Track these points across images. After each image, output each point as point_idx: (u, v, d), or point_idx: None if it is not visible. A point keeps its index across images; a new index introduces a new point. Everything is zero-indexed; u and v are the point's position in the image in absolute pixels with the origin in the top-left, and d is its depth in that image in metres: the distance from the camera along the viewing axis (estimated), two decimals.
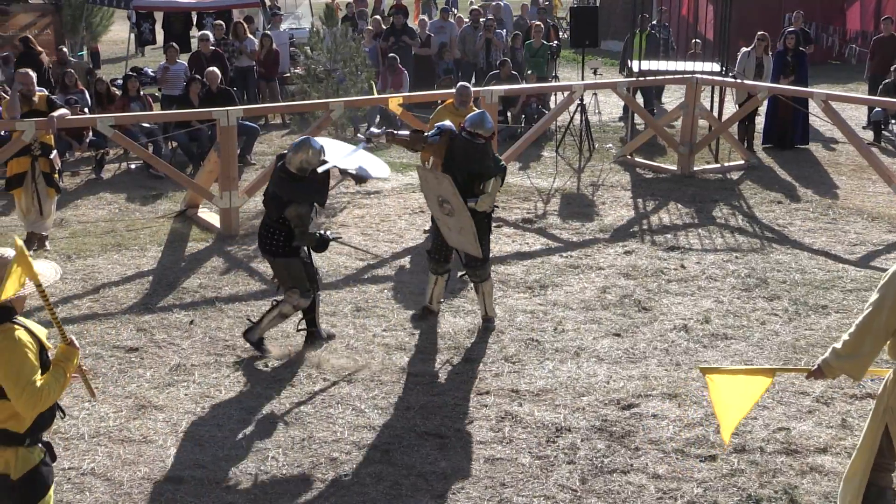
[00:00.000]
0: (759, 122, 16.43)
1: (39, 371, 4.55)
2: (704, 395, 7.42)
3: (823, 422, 7.05)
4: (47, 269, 4.75)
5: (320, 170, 8.06)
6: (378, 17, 21.90)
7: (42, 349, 4.64)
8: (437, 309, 9.03)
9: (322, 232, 8.25)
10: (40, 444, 4.77)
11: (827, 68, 23.65)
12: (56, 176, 10.94)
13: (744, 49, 16.18)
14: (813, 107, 14.53)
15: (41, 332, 4.73)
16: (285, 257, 8.07)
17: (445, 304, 9.32)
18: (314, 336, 8.39)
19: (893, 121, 16.62)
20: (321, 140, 8.48)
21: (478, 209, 8.20)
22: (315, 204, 8.04)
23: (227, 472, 6.40)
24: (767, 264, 10.45)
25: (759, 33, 16.16)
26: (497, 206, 8.75)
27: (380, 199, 13.09)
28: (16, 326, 4.57)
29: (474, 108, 11.39)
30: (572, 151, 15.37)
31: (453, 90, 11.43)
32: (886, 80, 16.82)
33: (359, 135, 9.63)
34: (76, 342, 4.76)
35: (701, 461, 6.54)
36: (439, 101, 11.98)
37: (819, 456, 6.59)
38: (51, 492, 4.81)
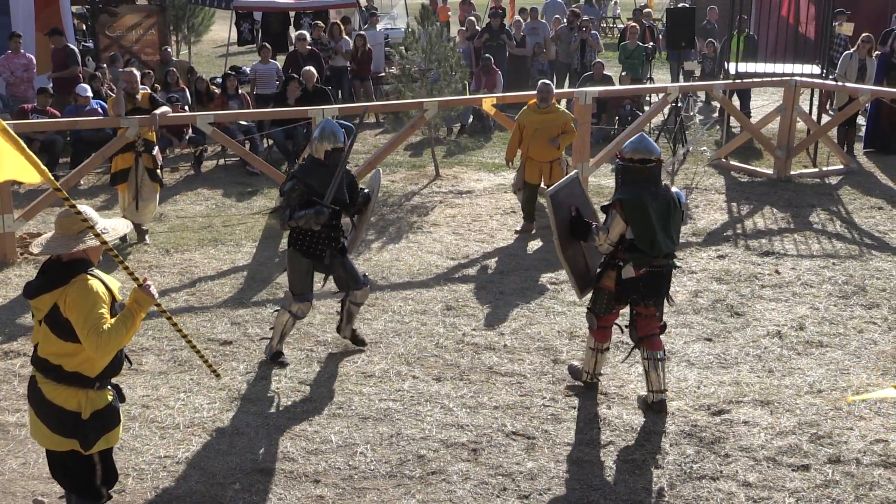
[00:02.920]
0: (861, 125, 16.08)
1: (108, 318, 4.90)
2: (798, 403, 7.29)
3: None
4: (119, 223, 5.36)
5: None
6: (472, 18, 21.95)
7: (113, 300, 5.03)
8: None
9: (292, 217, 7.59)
10: (109, 388, 5.21)
11: None
12: (159, 171, 11.19)
13: (846, 51, 15.83)
14: None
15: (114, 284, 5.13)
16: (289, 247, 7.90)
17: (536, 304, 9.29)
18: (357, 340, 8.35)
19: None
20: None
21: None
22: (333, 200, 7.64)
23: (316, 465, 6.47)
24: (866, 271, 10.20)
25: (863, 35, 15.81)
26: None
27: (471, 198, 13.12)
28: (90, 277, 4.96)
29: (557, 107, 11.38)
30: (666, 154, 15.19)
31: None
32: None
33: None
34: (152, 289, 5.07)
35: (793, 470, 6.41)
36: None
37: None
38: (119, 427, 5.27)
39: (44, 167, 5.05)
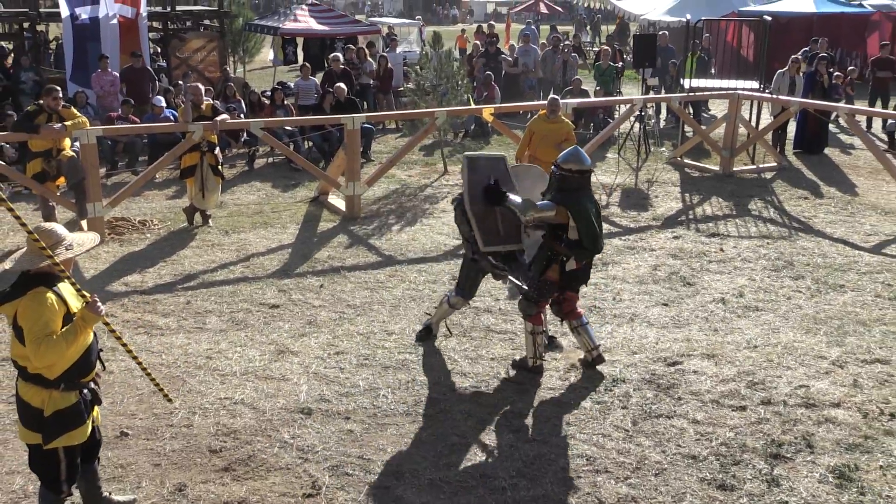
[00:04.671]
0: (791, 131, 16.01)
1: (55, 329, 4.46)
2: (737, 356, 7.29)
3: (838, 381, 6.86)
4: (87, 237, 4.90)
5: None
6: (476, 43, 21.90)
7: (68, 314, 4.55)
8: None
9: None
10: (81, 391, 4.71)
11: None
12: (220, 167, 11.19)
13: (779, 70, 15.73)
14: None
15: (74, 300, 4.65)
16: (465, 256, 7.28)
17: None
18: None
19: None
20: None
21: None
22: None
23: (347, 405, 6.49)
24: (794, 249, 10.17)
25: (792, 56, 15.71)
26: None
27: None
28: (46, 290, 4.51)
29: (562, 117, 11.20)
30: (631, 154, 15.12)
31: (535, 102, 11.33)
32: None
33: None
34: (98, 306, 4.59)
35: (733, 410, 6.42)
36: (530, 113, 11.82)
37: (833, 409, 6.42)
38: (83, 427, 4.74)
39: (2, 196, 4.55)
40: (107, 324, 4.84)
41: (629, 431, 6.15)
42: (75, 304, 4.64)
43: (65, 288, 4.63)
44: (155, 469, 5.66)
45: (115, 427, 6.10)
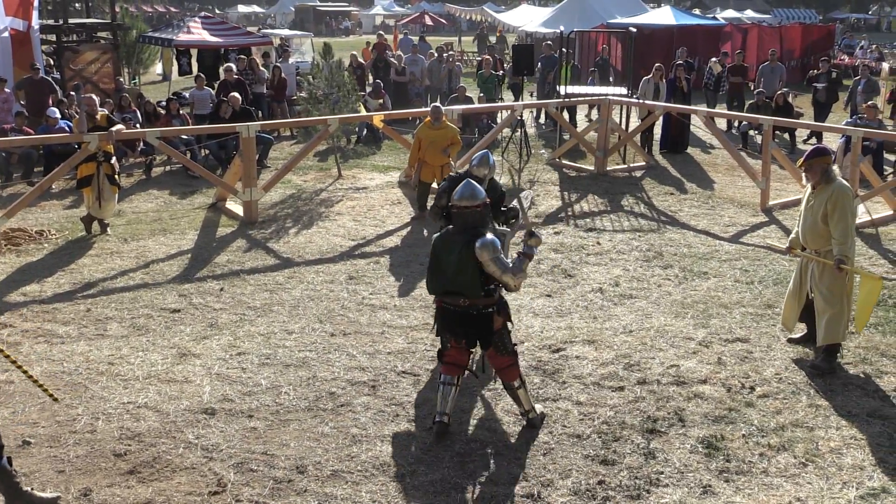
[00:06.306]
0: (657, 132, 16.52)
1: None
2: (615, 341, 7.47)
3: (705, 360, 7.11)
4: None
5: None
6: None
7: None
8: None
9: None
10: None
11: (706, 92, 23.66)
12: (117, 177, 10.78)
13: (645, 77, 16.23)
14: (695, 120, 14.63)
15: None
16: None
17: (417, 273, 9.26)
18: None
19: (754, 132, 16.72)
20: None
21: None
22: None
23: (250, 404, 6.35)
24: (662, 241, 10.50)
25: (656, 65, 16.22)
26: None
27: (367, 193, 13.02)
28: None
29: (447, 123, 11.29)
30: (514, 156, 15.34)
31: (423, 109, 11.33)
32: (750, 102, 17.08)
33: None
34: None
35: (612, 391, 6.57)
36: (418, 119, 11.86)
37: (701, 386, 6.65)
38: None
39: None
40: None
41: (518, 415, 6.21)
42: None
43: None
44: (59, 476, 5.40)
45: (17, 436, 5.79)
